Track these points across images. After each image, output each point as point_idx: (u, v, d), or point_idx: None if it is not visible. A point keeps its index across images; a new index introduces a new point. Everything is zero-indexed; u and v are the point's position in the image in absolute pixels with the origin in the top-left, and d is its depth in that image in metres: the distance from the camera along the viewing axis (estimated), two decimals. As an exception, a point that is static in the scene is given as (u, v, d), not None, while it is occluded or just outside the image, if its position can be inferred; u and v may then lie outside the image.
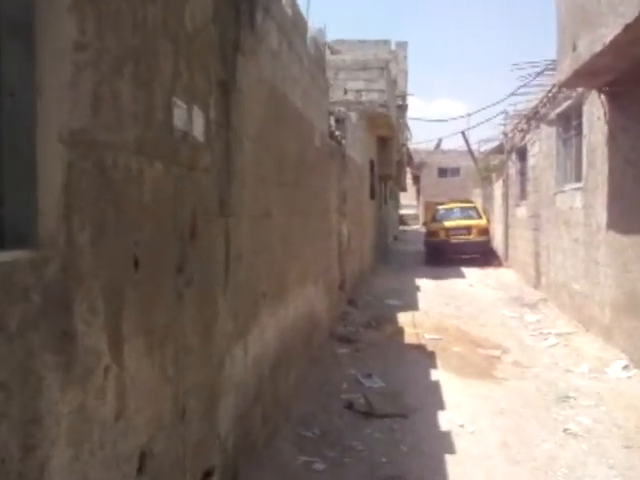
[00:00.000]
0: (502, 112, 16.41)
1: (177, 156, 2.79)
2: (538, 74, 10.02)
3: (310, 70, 6.78)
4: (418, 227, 45.04)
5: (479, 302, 12.31)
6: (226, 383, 3.65)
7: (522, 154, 15.31)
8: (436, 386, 6.67)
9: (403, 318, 10.41)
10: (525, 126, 14.36)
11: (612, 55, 6.38)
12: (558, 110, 10.80)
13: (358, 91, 14.82)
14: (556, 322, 10.07)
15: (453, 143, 70.10)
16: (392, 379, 6.82)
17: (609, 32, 6.01)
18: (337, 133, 10.62)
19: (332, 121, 10.49)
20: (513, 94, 12.47)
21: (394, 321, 10.17)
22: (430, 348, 8.35)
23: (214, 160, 3.39)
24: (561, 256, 10.72)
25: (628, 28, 5.58)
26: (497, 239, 20.11)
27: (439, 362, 7.63)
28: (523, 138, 14.73)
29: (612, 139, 7.88)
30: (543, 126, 12.23)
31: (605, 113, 8.11)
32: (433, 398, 6.28)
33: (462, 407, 6.03)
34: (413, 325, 9.86)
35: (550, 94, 10.75)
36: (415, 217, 52.08)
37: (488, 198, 23.18)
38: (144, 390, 2.44)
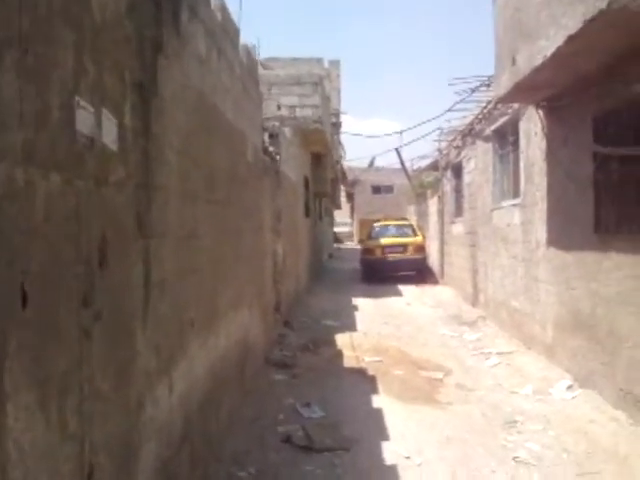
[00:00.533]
0: (437, 128, 16.37)
1: (81, 167, 2.34)
2: (474, 90, 9.90)
3: (242, 79, 6.39)
4: (353, 244, 45.06)
5: (418, 321, 12.09)
6: (147, 429, 3.18)
7: (457, 171, 15.28)
8: (378, 414, 6.31)
9: (341, 340, 10.06)
10: (460, 142, 14.32)
11: (553, 68, 6.23)
12: (494, 126, 10.73)
13: (292, 107, 14.52)
14: (496, 340, 9.89)
15: (386, 161, 70.67)
16: (332, 407, 6.42)
17: (550, 44, 5.84)
18: (271, 149, 10.25)
19: (266, 136, 10.13)
20: (449, 110, 12.36)
21: (332, 343, 9.81)
22: (370, 372, 8.00)
23: (130, 173, 2.95)
24: (499, 273, 10.60)
25: (571, 39, 5.42)
26: (433, 256, 20.06)
27: (380, 387, 7.29)
28: (458, 154, 14.70)
29: (551, 154, 7.77)
30: (479, 142, 12.17)
31: (543, 128, 8.00)
32: (376, 427, 5.91)
33: (407, 437, 5.68)
34: (352, 347, 9.52)
35: (485, 110, 10.67)
36: (350, 234, 52.14)
37: (423, 215, 23.20)
38: (35, 454, 1.97)
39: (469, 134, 12.95)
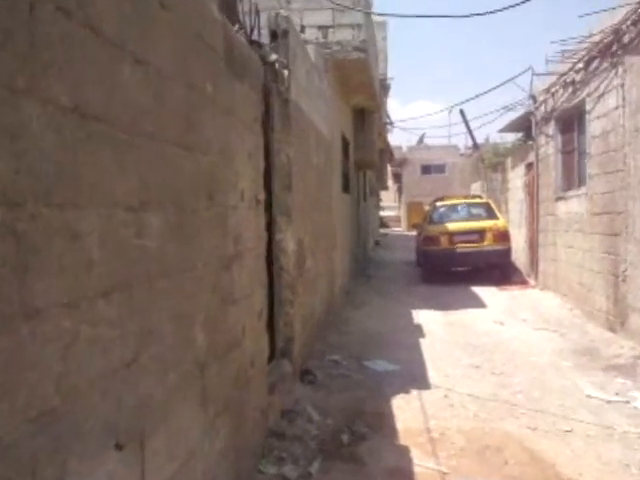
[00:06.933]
0: (528, 68, 11.40)
1: None
2: None
3: None
4: (401, 230, 40.24)
5: (528, 360, 7.17)
6: None
7: (571, 120, 10.24)
8: None
9: (404, 415, 5.32)
10: (577, 75, 9.32)
11: None
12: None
13: (322, 27, 9.71)
14: None
15: (436, 140, 64.01)
16: None
17: None
18: (274, 57, 5.54)
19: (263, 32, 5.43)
20: None
21: (387, 426, 5.05)
22: None
23: None
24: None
25: None
26: (516, 247, 14.93)
27: None
28: (574, 94, 9.68)
29: None
30: (629, 60, 7.21)
31: None
32: None
33: None
34: (428, 439, 4.77)
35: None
36: (396, 219, 47.11)
37: (496, 193, 18.11)
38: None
39: (605, 53, 7.96)
